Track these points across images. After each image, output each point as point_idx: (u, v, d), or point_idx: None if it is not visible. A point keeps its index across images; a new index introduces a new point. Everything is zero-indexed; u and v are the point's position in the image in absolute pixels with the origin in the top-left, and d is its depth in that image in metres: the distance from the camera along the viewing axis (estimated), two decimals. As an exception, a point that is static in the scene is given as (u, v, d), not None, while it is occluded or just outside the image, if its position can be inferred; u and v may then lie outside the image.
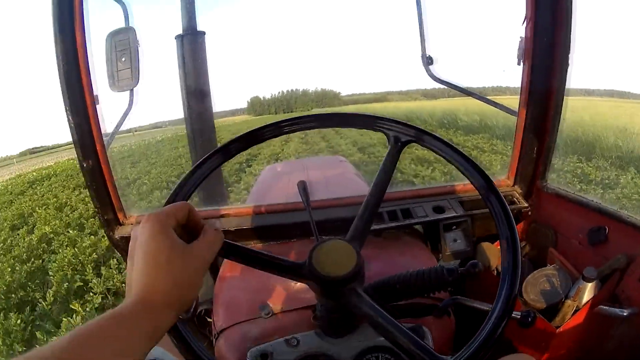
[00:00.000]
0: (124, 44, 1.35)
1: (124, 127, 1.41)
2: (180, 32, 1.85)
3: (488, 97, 1.41)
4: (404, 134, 0.85)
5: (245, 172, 8.83)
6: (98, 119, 1.26)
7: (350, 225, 0.81)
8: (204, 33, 1.93)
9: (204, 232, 0.61)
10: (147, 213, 1.36)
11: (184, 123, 2.10)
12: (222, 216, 1.35)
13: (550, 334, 1.08)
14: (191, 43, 1.86)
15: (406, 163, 8.28)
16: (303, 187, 1.01)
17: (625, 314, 1.02)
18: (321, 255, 0.72)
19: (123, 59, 1.34)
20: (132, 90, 1.39)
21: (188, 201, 0.76)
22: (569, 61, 1.19)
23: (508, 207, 0.72)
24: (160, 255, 0.54)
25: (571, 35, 1.16)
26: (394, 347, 0.66)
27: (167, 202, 0.76)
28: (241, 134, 0.85)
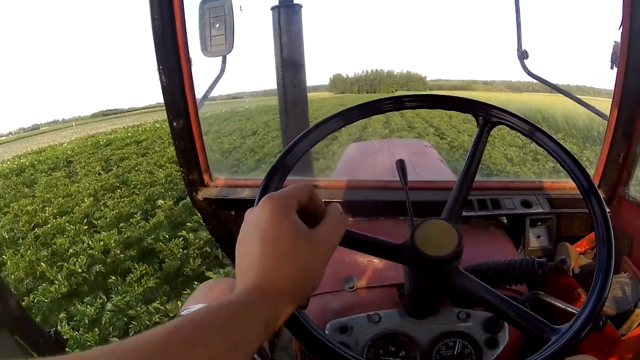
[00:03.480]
0: (218, 11, 1.37)
1: (213, 93, 1.44)
2: (276, 3, 1.88)
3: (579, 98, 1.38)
4: (494, 116, 0.86)
5: (328, 150, 8.64)
6: (192, 79, 1.29)
7: (439, 209, 0.83)
8: (300, 6, 1.94)
9: (329, 216, 0.56)
10: (233, 177, 1.42)
11: (273, 94, 2.11)
12: (315, 187, 1.35)
13: (617, 340, 1.07)
14: (287, 15, 1.87)
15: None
16: (402, 166, 1.02)
17: None
18: (423, 236, 0.72)
19: (217, 25, 1.36)
20: (224, 57, 1.41)
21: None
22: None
23: (607, 210, 0.72)
24: (283, 241, 0.50)
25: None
26: (506, 321, 0.69)
27: (280, 159, 0.75)
28: (363, 102, 0.86)
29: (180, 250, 3.97)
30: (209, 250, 4.02)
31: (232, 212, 1.41)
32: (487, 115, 0.87)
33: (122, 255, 4.02)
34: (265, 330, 0.48)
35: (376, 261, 1.07)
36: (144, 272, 3.63)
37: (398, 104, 0.88)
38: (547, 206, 1.31)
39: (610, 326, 1.08)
